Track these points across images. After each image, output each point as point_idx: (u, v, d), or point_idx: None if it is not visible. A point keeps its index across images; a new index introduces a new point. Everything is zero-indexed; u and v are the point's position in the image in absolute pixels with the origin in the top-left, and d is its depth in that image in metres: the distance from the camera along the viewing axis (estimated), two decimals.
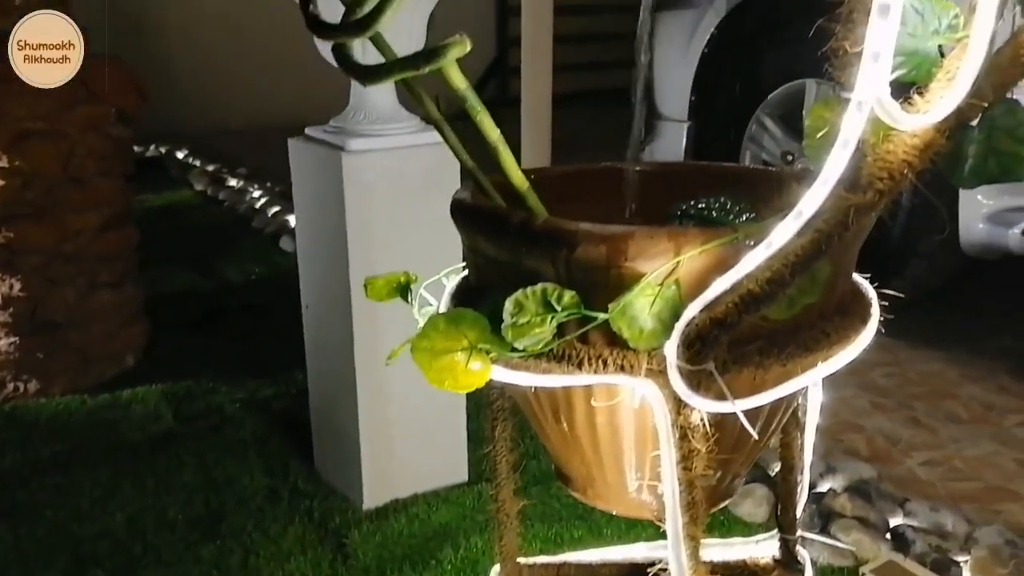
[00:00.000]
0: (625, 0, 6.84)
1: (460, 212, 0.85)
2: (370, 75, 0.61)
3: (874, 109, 0.61)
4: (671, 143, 2.89)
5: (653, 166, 1.05)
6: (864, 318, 0.82)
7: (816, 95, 2.44)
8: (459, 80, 0.65)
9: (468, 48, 0.61)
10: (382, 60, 0.73)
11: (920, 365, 2.14)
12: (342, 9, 0.73)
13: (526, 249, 0.77)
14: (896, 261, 2.20)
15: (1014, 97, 0.66)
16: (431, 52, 0.59)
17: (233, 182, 4.02)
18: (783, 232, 0.65)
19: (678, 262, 0.70)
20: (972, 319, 2.45)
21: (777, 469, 1.12)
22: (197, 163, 4.42)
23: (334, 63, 0.72)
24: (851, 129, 0.62)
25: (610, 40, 6.68)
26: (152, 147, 4.68)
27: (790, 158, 2.55)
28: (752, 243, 0.69)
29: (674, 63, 2.78)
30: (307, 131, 1.58)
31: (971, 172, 0.66)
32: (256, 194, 3.77)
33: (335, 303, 1.54)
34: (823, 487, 1.61)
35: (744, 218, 0.82)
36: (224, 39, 5.46)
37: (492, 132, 0.73)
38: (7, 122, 1.90)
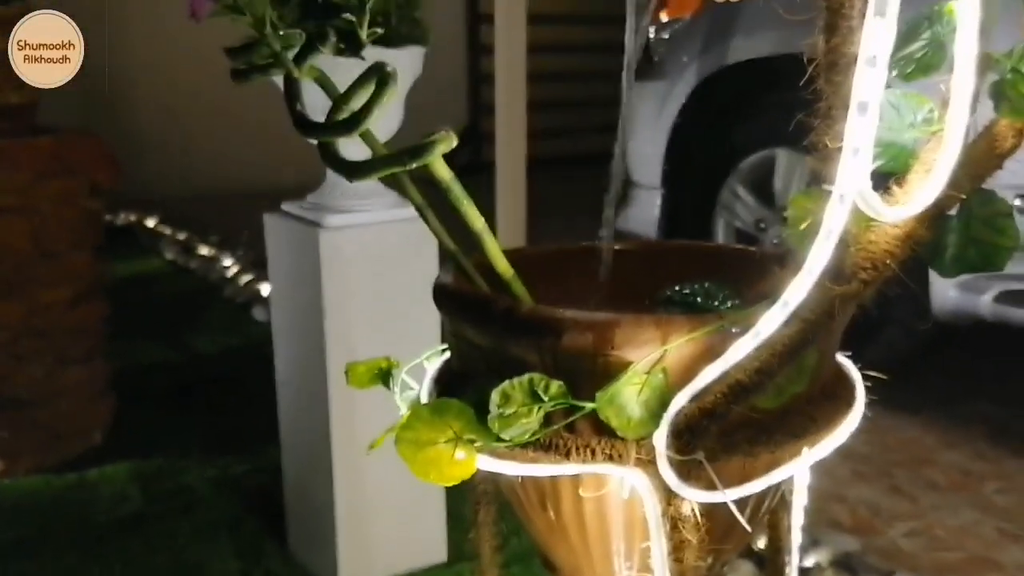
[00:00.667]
0: (598, 67, 7.02)
1: (443, 297, 0.85)
2: (356, 172, 0.60)
3: (856, 201, 0.62)
4: (644, 210, 2.93)
5: (634, 245, 1.06)
6: (849, 401, 0.82)
7: (786, 164, 2.49)
8: (444, 172, 0.65)
9: (454, 144, 0.61)
10: (365, 149, 0.73)
11: (898, 432, 2.15)
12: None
13: (512, 337, 0.76)
14: (871, 328, 2.22)
15: (989, 188, 0.67)
16: (418, 149, 0.59)
17: (204, 250, 3.99)
18: (770, 322, 0.65)
19: (665, 351, 0.70)
20: (948, 383, 2.47)
21: (762, 544, 1.10)
22: (167, 231, 4.40)
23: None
24: (834, 221, 0.62)
25: (584, 106, 6.82)
26: (122, 215, 4.65)
27: (762, 226, 2.59)
28: (738, 330, 0.69)
29: (646, 131, 2.84)
30: (283, 206, 1.57)
31: (952, 261, 0.67)
32: (227, 263, 3.75)
33: (311, 380, 1.52)
34: (808, 562, 1.59)
35: (729, 304, 0.82)
36: (193, 104, 5.49)
37: (477, 222, 0.73)
38: None
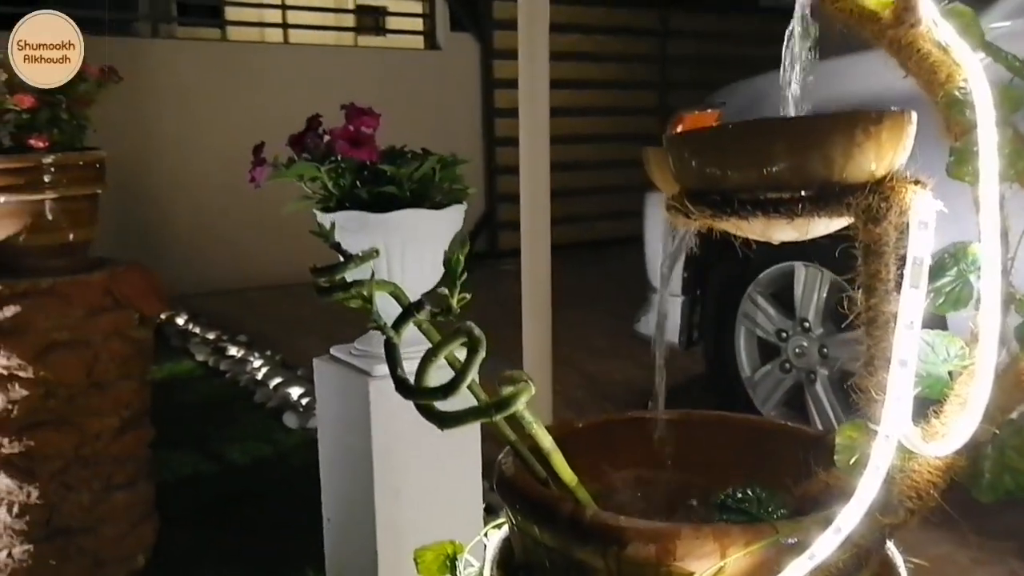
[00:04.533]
0: (617, 157, 7.20)
1: (507, 492, 0.91)
2: (447, 422, 0.67)
3: (900, 440, 0.69)
4: (665, 317, 2.99)
5: (675, 415, 1.12)
6: None
7: (804, 277, 2.56)
8: (527, 414, 0.72)
9: (533, 392, 0.68)
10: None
11: (931, 548, 2.16)
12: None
13: (576, 541, 0.82)
14: None
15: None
16: (503, 402, 0.66)
17: (234, 351, 4.08)
18: (824, 546, 0.71)
19: (724, 564, 0.76)
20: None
21: None
22: (197, 330, 4.49)
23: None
24: (881, 458, 0.69)
25: (598, 193, 6.97)
26: None
27: (784, 336, 2.65)
28: (793, 541, 0.75)
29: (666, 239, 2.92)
30: (332, 351, 1.65)
31: (988, 487, 0.73)
32: (257, 363, 3.82)
33: (358, 522, 1.57)
34: None
35: (781, 513, 0.88)
36: (220, 202, 5.64)
37: (546, 441, 0.80)
38: (33, 335, 1.96)
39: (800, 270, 2.56)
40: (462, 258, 0.70)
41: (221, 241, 5.73)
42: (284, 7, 6.47)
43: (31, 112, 1.98)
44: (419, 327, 0.80)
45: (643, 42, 7.60)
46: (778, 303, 2.68)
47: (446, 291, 0.69)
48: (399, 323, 0.78)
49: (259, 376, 3.68)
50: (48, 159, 1.98)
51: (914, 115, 0.71)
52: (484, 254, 6.72)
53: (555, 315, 4.03)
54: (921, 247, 0.64)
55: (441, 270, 1.61)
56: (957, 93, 0.84)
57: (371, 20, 11.10)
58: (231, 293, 5.55)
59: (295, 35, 6.84)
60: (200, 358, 4.08)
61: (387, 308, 0.93)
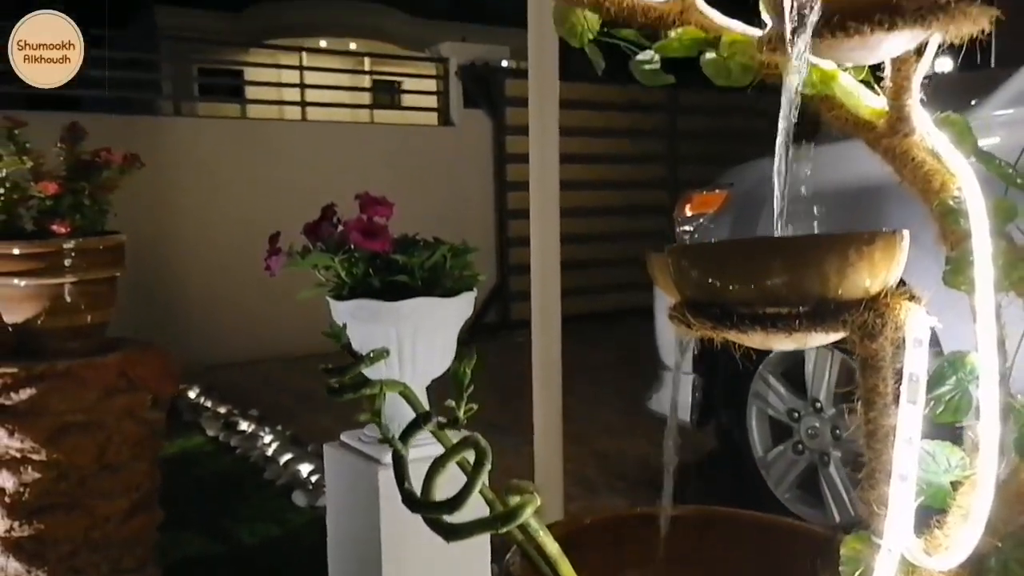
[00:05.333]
0: (627, 229, 7.26)
1: None
2: (454, 534, 0.68)
3: (903, 553, 0.69)
4: (677, 396, 2.98)
5: (684, 511, 1.12)
6: None
7: (815, 357, 2.56)
8: (533, 522, 0.72)
9: (539, 503, 0.69)
10: None
11: None
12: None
13: None
14: None
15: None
16: (509, 515, 0.67)
17: (244, 426, 4.08)
18: None
19: None
20: None
21: None
22: (208, 404, 4.50)
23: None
24: (885, 572, 0.69)
25: (616, 264, 7.01)
26: None
27: (796, 416, 2.63)
28: None
29: None
30: (343, 437, 1.66)
31: None
32: (268, 439, 3.82)
33: None
34: None
35: None
36: (234, 272, 5.71)
37: (551, 547, 0.80)
38: (48, 417, 1.98)
39: (810, 350, 2.56)
40: (468, 371, 0.72)
41: (235, 313, 5.78)
42: (303, 86, 6.65)
43: (54, 198, 2.04)
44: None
45: (653, 117, 7.75)
46: (789, 382, 2.67)
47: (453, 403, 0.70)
48: (406, 435, 0.79)
49: (269, 452, 3.67)
50: (69, 244, 2.03)
51: (907, 234, 0.73)
52: (496, 325, 6.75)
53: (566, 388, 4.02)
54: (917, 364, 0.65)
55: (451, 356, 1.63)
56: (951, 202, 0.86)
57: (387, 96, 11.37)
58: (244, 364, 5.58)
59: (313, 112, 7.02)
60: (211, 433, 4.08)
61: (397, 403, 0.95)
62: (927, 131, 0.92)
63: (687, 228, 3.00)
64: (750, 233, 2.66)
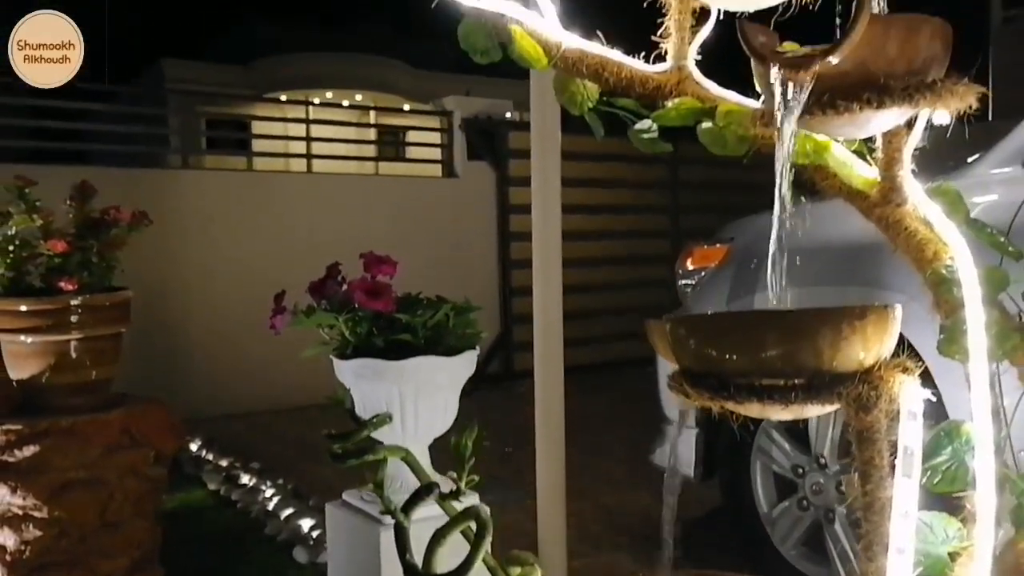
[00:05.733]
0: (630, 279, 7.29)
1: None
2: None
3: None
4: (681, 449, 2.97)
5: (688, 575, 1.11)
6: None
7: (817, 417, 2.56)
8: None
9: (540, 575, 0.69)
10: None
11: None
12: None
13: None
14: None
15: None
16: None
17: (246, 479, 4.05)
18: None
19: None
20: None
21: None
22: (210, 457, 4.48)
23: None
24: None
25: (619, 314, 7.02)
26: None
27: (800, 471, 2.62)
28: None
29: None
30: (344, 496, 1.65)
31: None
32: (269, 493, 3.79)
33: None
34: None
35: None
36: (236, 322, 5.72)
37: None
38: (50, 474, 1.98)
39: None
40: (470, 443, 0.72)
41: (237, 363, 5.78)
42: (308, 139, 6.74)
43: (63, 256, 2.07)
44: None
45: (654, 168, 7.82)
46: (793, 438, 2.66)
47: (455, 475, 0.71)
48: (408, 507, 0.80)
49: (270, 507, 3.64)
50: (76, 301, 2.06)
51: (899, 308, 0.75)
52: (499, 376, 6.74)
53: (570, 440, 4.00)
54: (911, 437, 0.66)
55: (454, 415, 1.64)
56: (944, 272, 0.88)
57: (392, 148, 11.51)
58: (246, 416, 5.56)
59: (318, 164, 7.11)
60: (212, 487, 4.06)
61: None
62: (919, 201, 0.94)
63: (689, 282, 3.02)
64: (751, 288, 2.68)
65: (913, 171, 0.96)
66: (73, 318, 2.06)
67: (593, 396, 5.84)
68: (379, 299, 1.54)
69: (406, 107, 14.43)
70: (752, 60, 0.85)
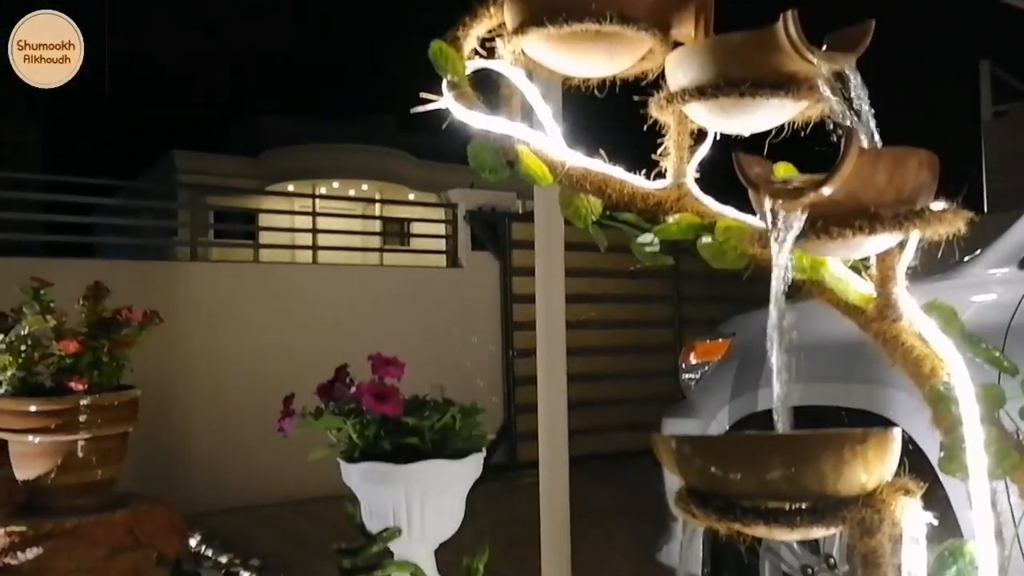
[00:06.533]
0: (634, 368, 7.28)
1: None
2: None
3: None
4: (688, 547, 2.92)
5: None
6: None
7: None
8: None
9: None
10: None
11: None
12: None
13: None
14: None
15: None
16: None
17: None
18: None
19: None
20: None
21: None
22: (210, 553, 4.40)
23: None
24: None
25: (624, 403, 6.99)
26: None
27: (810, 572, 2.58)
28: None
29: None
30: None
31: None
32: None
33: None
34: None
35: None
36: (240, 416, 5.71)
37: None
38: None
39: None
40: (481, 567, 0.73)
41: (240, 457, 5.74)
42: (315, 231, 6.85)
43: (74, 356, 2.10)
44: None
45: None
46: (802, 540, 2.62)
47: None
48: None
49: None
50: (85, 401, 2.07)
51: (898, 432, 0.77)
52: (503, 466, 6.66)
53: (575, 533, 3.95)
54: (915, 562, 0.67)
55: (460, 517, 1.63)
56: (942, 388, 0.90)
57: (397, 238, 11.67)
58: (247, 510, 5.48)
59: (324, 255, 7.21)
60: None
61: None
62: (915, 317, 0.97)
63: (692, 376, 3.03)
64: (755, 383, 2.69)
65: (912, 269, 0.99)
66: (81, 418, 2.08)
67: (598, 487, 5.77)
68: (387, 403, 1.56)
69: (411, 196, 14.71)
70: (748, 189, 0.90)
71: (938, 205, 0.87)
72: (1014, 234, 2.27)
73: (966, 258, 2.38)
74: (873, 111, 0.88)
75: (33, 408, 2.03)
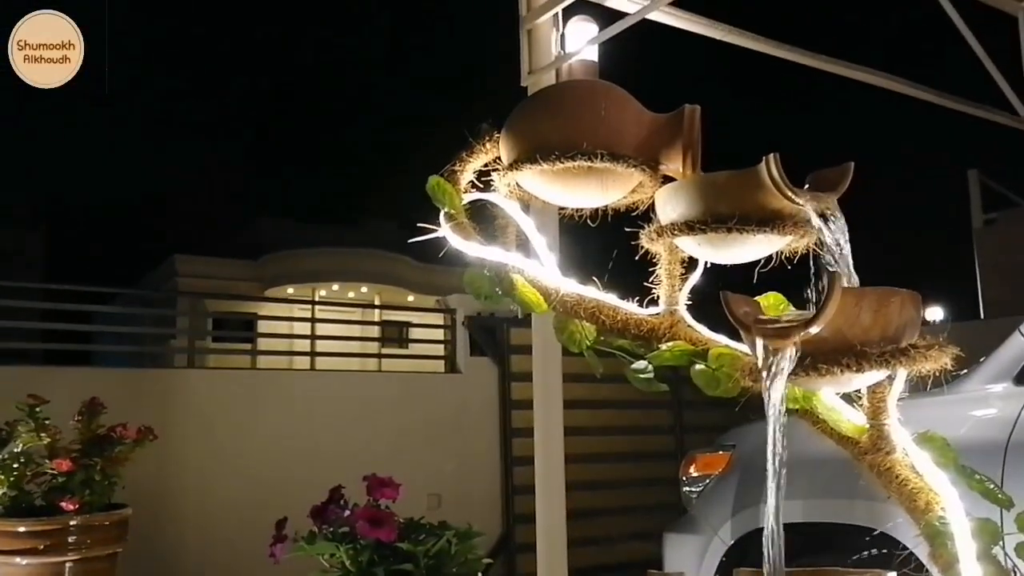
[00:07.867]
0: (635, 476, 7.16)
1: None
2: None
3: None
4: None
5: None
6: None
7: None
8: None
9: None
10: None
11: None
12: None
13: None
14: None
15: None
16: None
17: None
18: None
19: None
20: None
21: None
22: None
23: None
24: None
25: (625, 512, 6.85)
26: None
27: None
28: None
29: None
30: None
31: None
32: None
33: None
34: None
35: None
36: (232, 525, 5.58)
37: None
38: None
39: None
40: None
41: (228, 567, 5.59)
42: (313, 337, 6.87)
43: (67, 475, 2.08)
44: None
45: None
46: None
47: None
48: None
49: None
50: (75, 521, 2.04)
51: None
52: None
53: None
54: None
55: None
56: (937, 524, 0.90)
57: (395, 343, 11.70)
58: None
59: (322, 361, 7.20)
60: None
61: None
62: (908, 449, 0.98)
63: (694, 489, 2.99)
64: (757, 498, 2.65)
65: (907, 383, 1.00)
66: (71, 539, 2.04)
67: None
68: (381, 528, 1.54)
69: (410, 298, 14.78)
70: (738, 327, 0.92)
71: (924, 342, 0.89)
72: (1008, 349, 2.29)
73: (963, 371, 2.39)
74: (856, 252, 0.91)
75: (22, 529, 2.00)
